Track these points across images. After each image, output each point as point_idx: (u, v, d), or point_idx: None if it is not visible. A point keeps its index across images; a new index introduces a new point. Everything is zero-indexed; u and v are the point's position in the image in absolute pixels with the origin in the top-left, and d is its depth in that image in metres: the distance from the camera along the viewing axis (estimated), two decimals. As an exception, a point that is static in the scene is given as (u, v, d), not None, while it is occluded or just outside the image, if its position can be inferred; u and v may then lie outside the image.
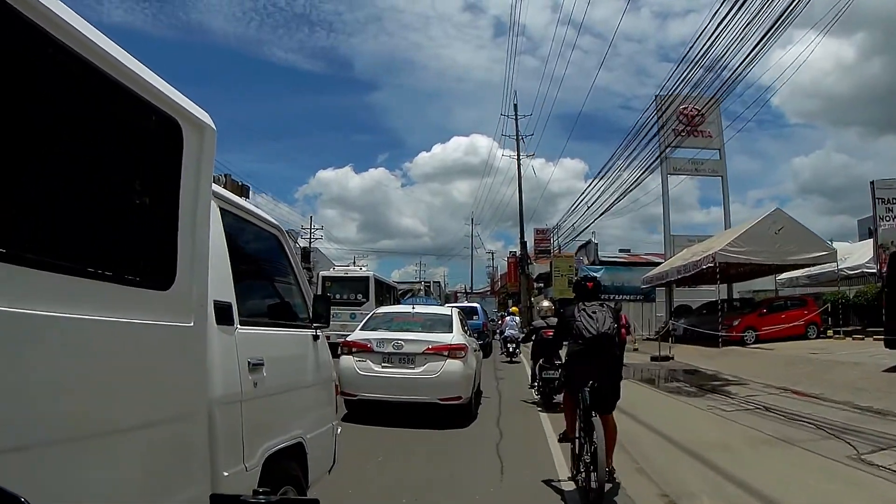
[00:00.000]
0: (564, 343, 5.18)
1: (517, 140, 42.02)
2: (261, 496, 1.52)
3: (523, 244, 42.70)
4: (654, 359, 16.43)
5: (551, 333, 8.26)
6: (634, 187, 21.12)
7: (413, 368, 7.00)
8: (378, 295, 19.02)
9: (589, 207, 25.97)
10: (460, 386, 7.01)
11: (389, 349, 7.06)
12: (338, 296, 18.43)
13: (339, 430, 3.62)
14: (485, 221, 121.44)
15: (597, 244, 31.34)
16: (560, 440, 5.27)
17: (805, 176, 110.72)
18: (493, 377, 12.81)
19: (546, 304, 10.51)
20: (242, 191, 11.77)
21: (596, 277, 5.63)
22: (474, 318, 20.26)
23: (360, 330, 7.76)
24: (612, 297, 28.27)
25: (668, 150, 23.29)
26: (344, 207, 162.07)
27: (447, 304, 17.78)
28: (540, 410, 8.61)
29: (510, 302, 54.57)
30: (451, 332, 7.56)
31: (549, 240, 42.24)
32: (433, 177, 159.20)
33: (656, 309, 27.32)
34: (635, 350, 19.29)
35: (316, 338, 3.35)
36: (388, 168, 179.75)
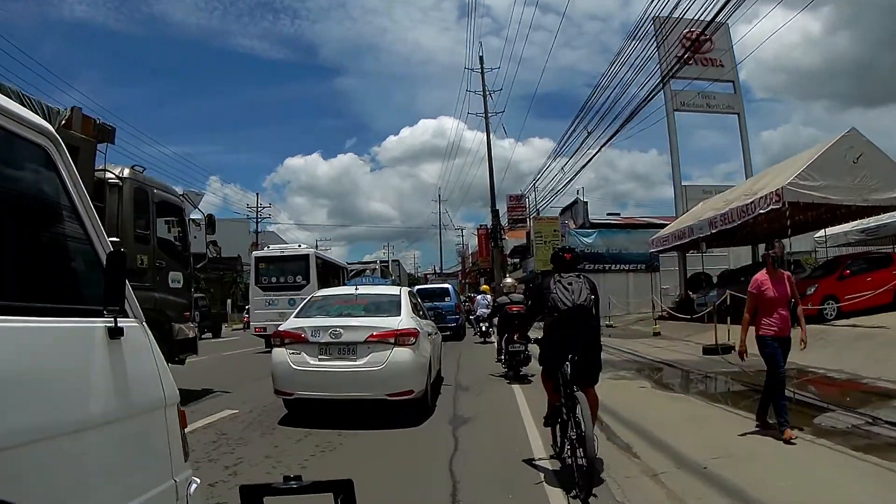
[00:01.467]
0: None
1: (484, 95, 37.87)
2: (292, 481, 1.43)
3: (495, 213, 37.14)
4: (708, 350, 11.69)
5: (515, 309, 10.02)
6: (631, 118, 17.73)
7: (355, 360, 6.13)
8: (321, 276, 17.27)
9: (569, 158, 20.03)
10: (411, 378, 6.19)
11: (326, 338, 6.16)
12: (274, 279, 16.92)
13: (192, 487, 2.28)
14: (455, 203, 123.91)
15: (586, 203, 25.63)
16: (545, 424, 5.05)
17: (774, 149, 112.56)
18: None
19: (509, 280, 11.54)
20: (102, 133, 5.50)
21: (574, 249, 5.32)
22: (446, 299, 20.54)
23: (295, 317, 6.75)
24: (606, 266, 24.58)
25: (672, 81, 17.61)
26: (313, 194, 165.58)
27: (409, 287, 14.28)
28: (508, 382, 9.25)
29: (482, 280, 49.92)
30: (399, 316, 6.63)
31: (525, 207, 36.31)
32: (402, 160, 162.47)
33: (662, 280, 23.45)
34: (657, 334, 16.21)
35: (115, 333, 1.89)
36: (357, 153, 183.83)
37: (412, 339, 6.32)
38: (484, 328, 16.66)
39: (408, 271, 79.40)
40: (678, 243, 17.55)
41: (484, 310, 17.34)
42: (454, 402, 7.77)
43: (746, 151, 23.72)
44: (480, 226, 44.83)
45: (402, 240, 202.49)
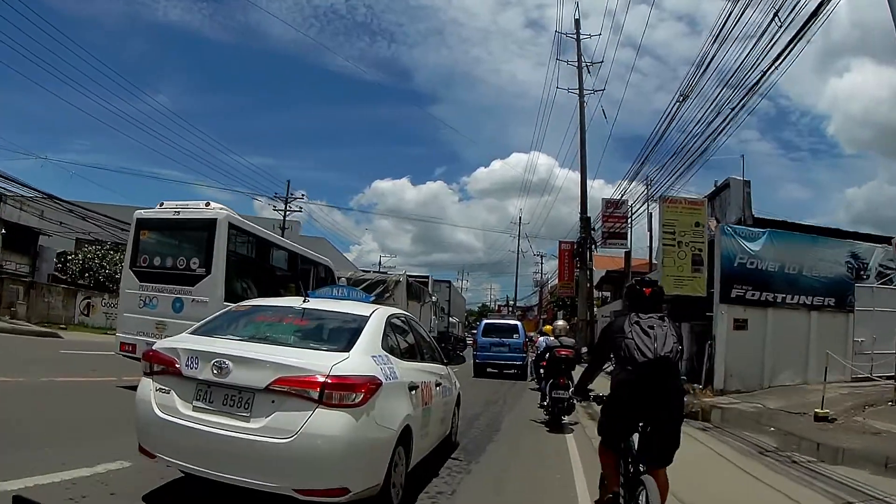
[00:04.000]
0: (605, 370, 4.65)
1: (579, 67, 32.49)
2: None
3: (585, 220, 27.42)
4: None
5: (564, 353, 9.56)
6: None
7: (247, 418, 3.85)
8: (238, 265, 10.54)
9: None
10: (346, 466, 3.89)
11: (207, 374, 3.97)
12: (157, 261, 10.18)
13: None
14: (541, 242, 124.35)
15: (748, 185, 15.43)
16: None
17: (858, 206, 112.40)
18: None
19: (561, 322, 11.14)
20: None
21: (656, 283, 4.41)
22: (514, 336, 20.41)
23: (189, 333, 4.66)
24: (776, 297, 15.45)
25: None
26: (399, 219, 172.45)
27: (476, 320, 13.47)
28: (548, 430, 9.16)
29: (560, 314, 39.95)
30: (346, 353, 4.25)
31: (627, 217, 26.39)
32: (491, 192, 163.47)
33: (855, 324, 15.31)
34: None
35: None
36: (446, 181, 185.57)
37: (357, 396, 3.90)
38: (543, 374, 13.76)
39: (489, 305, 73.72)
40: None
41: None
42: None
43: None
44: (563, 241, 34.75)
45: (484, 272, 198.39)
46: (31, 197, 27.47)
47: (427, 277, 28.86)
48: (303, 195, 43.61)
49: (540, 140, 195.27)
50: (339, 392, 3.81)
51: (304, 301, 5.15)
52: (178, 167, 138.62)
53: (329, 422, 3.74)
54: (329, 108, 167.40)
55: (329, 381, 3.78)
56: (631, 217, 30.89)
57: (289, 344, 4.40)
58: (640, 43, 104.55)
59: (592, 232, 30.46)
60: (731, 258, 14.95)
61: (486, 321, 23.10)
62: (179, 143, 65.76)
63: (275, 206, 42.62)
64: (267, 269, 11.79)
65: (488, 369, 20.05)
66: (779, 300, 15.25)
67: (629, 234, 31.79)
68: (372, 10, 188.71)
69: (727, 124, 14.30)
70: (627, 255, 31.37)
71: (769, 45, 11.91)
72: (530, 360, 16.96)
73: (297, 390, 3.77)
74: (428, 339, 6.73)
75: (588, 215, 30.48)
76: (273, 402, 3.77)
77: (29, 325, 19.85)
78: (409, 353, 5.52)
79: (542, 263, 63.66)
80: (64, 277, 28.69)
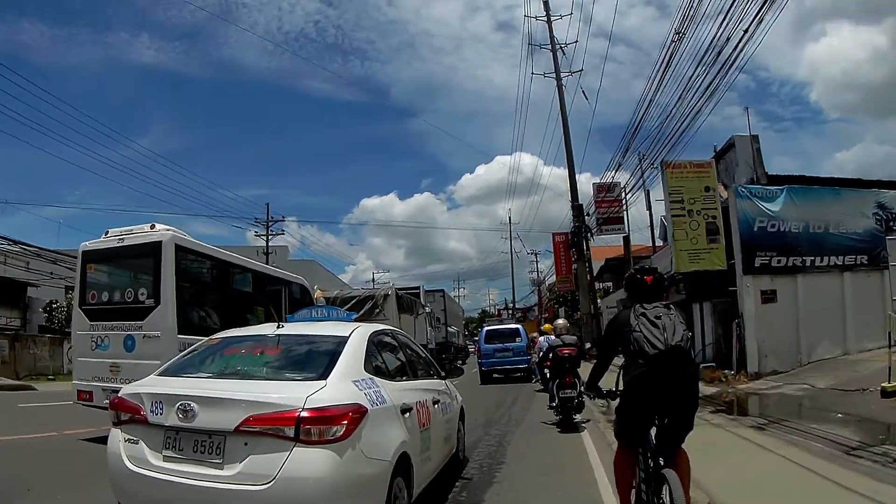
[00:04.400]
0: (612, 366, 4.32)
1: (553, 49, 29.55)
2: None
3: (576, 208, 25.87)
4: None
5: (567, 352, 9.38)
6: None
7: (220, 466, 3.54)
8: (195, 293, 9.51)
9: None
10: None
11: (173, 419, 3.66)
12: (105, 296, 9.02)
13: None
14: (534, 240, 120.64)
15: (757, 140, 13.73)
16: None
17: (849, 169, 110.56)
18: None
19: (561, 321, 11.03)
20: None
21: (656, 270, 4.26)
22: (517, 339, 20.45)
23: (156, 374, 4.38)
24: (803, 261, 13.49)
25: None
26: (390, 234, 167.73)
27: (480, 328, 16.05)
28: (559, 431, 8.96)
29: (561, 311, 38.23)
30: (324, 380, 3.89)
31: (621, 201, 25.03)
32: (478, 198, 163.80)
33: (892, 281, 12.48)
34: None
35: None
36: (433, 192, 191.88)
37: (339, 429, 3.53)
38: (548, 374, 13.39)
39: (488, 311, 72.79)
40: None
41: None
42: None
43: None
44: (556, 233, 32.91)
45: (480, 278, 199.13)
46: (16, 252, 26.78)
47: (418, 288, 27.43)
48: (283, 217, 42.24)
49: (522, 139, 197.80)
50: (317, 426, 3.45)
51: (278, 327, 4.85)
52: (169, 207, 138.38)
53: (309, 462, 3.39)
54: (311, 133, 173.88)
55: (304, 415, 3.44)
56: (626, 198, 29.39)
57: (261, 377, 4.13)
58: (612, 30, 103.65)
59: (586, 219, 28.89)
60: (750, 222, 13.36)
61: (487, 328, 23.11)
62: (167, 183, 65.25)
63: (256, 232, 41.60)
64: (228, 293, 10.33)
65: (494, 375, 20.19)
66: (807, 264, 13.66)
67: (626, 217, 30.30)
68: (341, 30, 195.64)
69: (707, 98, 12.96)
70: (626, 240, 29.67)
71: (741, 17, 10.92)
72: (535, 361, 17.20)
73: (269, 429, 3.44)
74: (422, 354, 6.37)
75: (580, 202, 28.86)
76: (246, 444, 3.45)
77: (5, 380, 18.70)
78: (400, 372, 5.18)
79: (536, 262, 62.32)
80: (52, 326, 28.01)
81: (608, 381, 4.18)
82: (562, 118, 30.75)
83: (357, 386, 3.95)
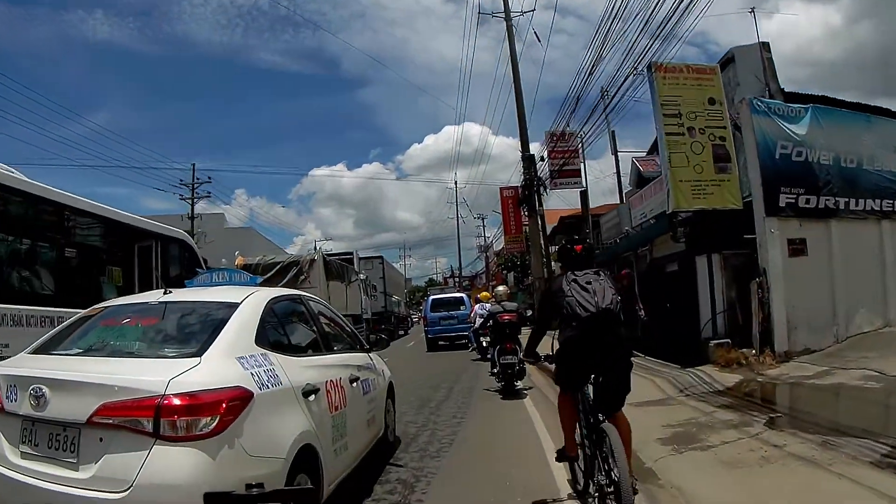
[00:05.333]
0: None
1: None
2: (253, 489, 1.53)
3: (527, 159, 22.36)
4: None
5: (507, 317, 9.61)
6: None
7: (73, 465, 3.02)
8: (10, 245, 6.98)
9: None
10: None
11: (27, 407, 3.16)
12: None
13: None
14: (480, 207, 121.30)
15: (767, 47, 10.00)
16: (557, 459, 4.45)
17: None
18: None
19: (502, 288, 11.35)
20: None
21: (586, 240, 5.19)
22: (461, 308, 20.91)
23: (27, 352, 3.81)
24: (836, 202, 10.23)
25: None
26: (339, 205, 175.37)
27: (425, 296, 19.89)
28: (501, 398, 8.99)
29: (511, 277, 35.16)
30: (197, 357, 3.26)
31: (577, 150, 21.70)
32: (427, 167, 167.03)
33: None
34: None
35: None
36: (382, 162, 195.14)
37: (210, 421, 2.92)
38: (485, 343, 14.24)
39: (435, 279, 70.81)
40: None
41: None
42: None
43: None
44: (505, 187, 29.17)
45: (430, 246, 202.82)
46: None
47: (351, 254, 24.78)
48: (210, 178, 37.47)
49: (471, 108, 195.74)
50: (183, 418, 2.85)
51: (165, 293, 4.13)
52: (124, 183, 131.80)
53: (171, 464, 2.82)
54: (261, 106, 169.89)
55: (165, 403, 2.85)
56: (583, 149, 25.85)
57: (131, 353, 3.50)
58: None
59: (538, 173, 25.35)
60: (771, 148, 9.67)
61: (432, 297, 23.62)
62: (122, 159, 61.05)
63: (181, 195, 36.86)
64: (65, 246, 7.55)
65: (440, 342, 20.90)
66: (841, 207, 10.09)
67: (583, 168, 26.86)
68: (293, 1, 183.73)
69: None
70: (584, 195, 25.89)
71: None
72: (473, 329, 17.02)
73: (125, 421, 2.88)
74: (342, 324, 5.74)
75: (531, 153, 25.25)
76: (101, 440, 2.92)
77: None
78: (310, 346, 4.59)
79: (483, 226, 58.82)
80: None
81: (548, 348, 4.23)
82: (511, 61, 26.85)
83: (242, 364, 3.31)
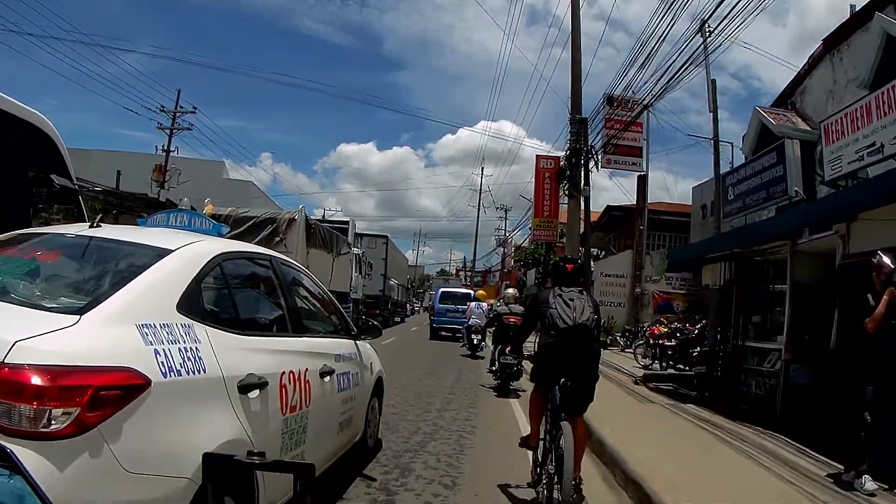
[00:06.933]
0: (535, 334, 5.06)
1: None
2: (255, 456, 1.50)
3: (579, 122, 16.33)
4: None
5: (513, 320, 10.23)
6: None
7: None
8: None
9: None
10: None
11: None
12: None
13: None
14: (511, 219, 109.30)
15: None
16: (520, 444, 5.07)
17: None
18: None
19: (511, 290, 12.12)
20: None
21: (577, 260, 5.82)
22: (469, 304, 19.59)
23: None
24: None
25: None
26: (363, 183, 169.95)
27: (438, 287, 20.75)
28: (496, 395, 9.77)
29: (531, 275, 30.36)
30: (76, 315, 2.27)
31: (642, 124, 16.03)
32: (457, 159, 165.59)
33: None
34: None
35: None
36: (412, 147, 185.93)
37: (65, 416, 1.96)
38: (475, 340, 16.11)
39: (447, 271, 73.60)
40: None
41: (477, 320, 16.53)
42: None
43: None
44: (542, 156, 23.76)
45: (447, 238, 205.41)
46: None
47: (347, 223, 20.38)
48: (195, 108, 32.82)
49: (507, 106, 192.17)
50: (19, 403, 1.92)
51: (90, 226, 3.25)
52: (149, 127, 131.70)
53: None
54: (297, 71, 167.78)
55: (15, 376, 1.95)
56: (648, 122, 20.38)
57: (3, 293, 2.50)
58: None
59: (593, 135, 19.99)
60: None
61: (442, 290, 26.54)
62: (149, 102, 59.56)
63: (159, 124, 32.05)
64: None
65: (442, 332, 22.59)
66: None
67: (645, 148, 21.35)
68: None
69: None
70: (642, 180, 20.61)
71: None
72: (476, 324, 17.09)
73: None
74: (326, 300, 4.82)
75: (584, 117, 19.82)
76: None
77: None
78: (272, 324, 3.68)
79: (505, 218, 53.23)
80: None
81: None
82: (571, 5, 21.81)
83: (144, 336, 2.36)
